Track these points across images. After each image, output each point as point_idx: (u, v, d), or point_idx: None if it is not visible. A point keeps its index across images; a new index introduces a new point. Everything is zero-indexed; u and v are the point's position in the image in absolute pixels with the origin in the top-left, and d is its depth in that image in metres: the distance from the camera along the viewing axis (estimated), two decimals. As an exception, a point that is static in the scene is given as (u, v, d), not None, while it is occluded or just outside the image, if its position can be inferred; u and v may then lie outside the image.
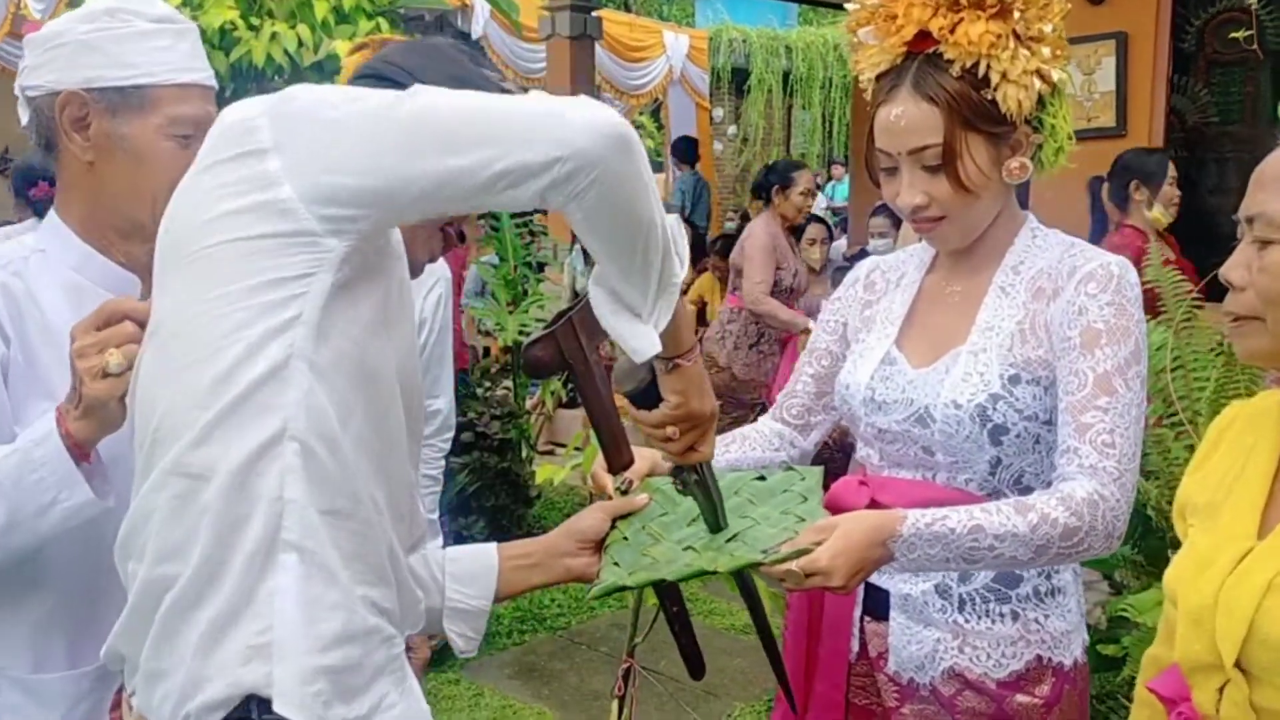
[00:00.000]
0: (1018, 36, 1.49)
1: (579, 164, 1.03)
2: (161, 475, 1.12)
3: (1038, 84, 1.50)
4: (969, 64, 1.48)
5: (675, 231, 1.18)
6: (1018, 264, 1.60)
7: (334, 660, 1.12)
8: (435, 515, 2.37)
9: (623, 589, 1.37)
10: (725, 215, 12.20)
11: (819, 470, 1.56)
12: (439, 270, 2.26)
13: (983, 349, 1.56)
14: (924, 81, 1.51)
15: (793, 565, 1.31)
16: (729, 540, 1.42)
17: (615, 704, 1.62)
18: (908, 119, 1.51)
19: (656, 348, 1.17)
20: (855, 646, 1.68)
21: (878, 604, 1.66)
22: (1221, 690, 1.20)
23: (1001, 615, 1.57)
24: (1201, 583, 1.23)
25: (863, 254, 7.46)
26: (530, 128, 1.04)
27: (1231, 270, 1.26)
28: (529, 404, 5.37)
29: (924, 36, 1.51)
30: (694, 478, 1.37)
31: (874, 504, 1.60)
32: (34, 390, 1.40)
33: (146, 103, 1.43)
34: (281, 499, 1.10)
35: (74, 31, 1.43)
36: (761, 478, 1.56)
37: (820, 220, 7.18)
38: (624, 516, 1.50)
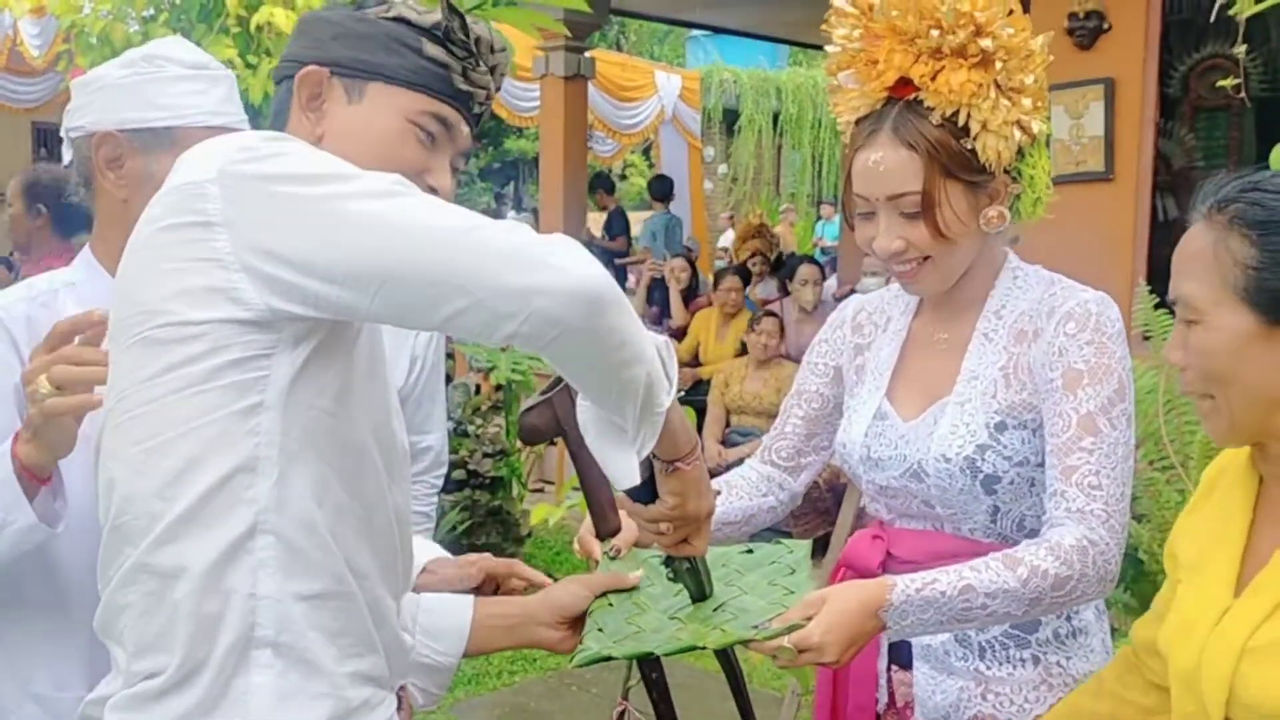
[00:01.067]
0: (999, 87, 1.49)
1: (540, 323, 0.99)
2: (131, 571, 1.09)
3: (1018, 135, 1.50)
4: (949, 112, 1.48)
5: (664, 354, 1.15)
6: (1000, 308, 1.59)
7: None
8: None
9: (607, 659, 1.36)
10: (715, 254, 12.24)
11: (806, 544, 1.56)
12: None
13: (967, 399, 1.55)
14: (904, 128, 1.50)
15: (785, 641, 1.31)
16: (716, 609, 1.40)
17: None
18: (887, 165, 1.50)
19: (635, 479, 1.16)
20: (883, 697, 1.66)
21: (902, 653, 1.64)
22: None
23: (1022, 660, 1.56)
24: (1187, 644, 1.24)
25: (853, 294, 7.51)
26: (497, 275, 0.98)
27: (1170, 352, 1.27)
28: (520, 442, 5.36)
29: (905, 83, 1.50)
30: (685, 566, 1.37)
31: (889, 557, 1.60)
32: None
33: (177, 143, 1.45)
34: (254, 595, 1.07)
35: (112, 76, 1.51)
36: (749, 550, 1.55)
37: (812, 261, 7.23)
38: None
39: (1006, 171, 1.53)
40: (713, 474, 1.77)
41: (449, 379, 6.10)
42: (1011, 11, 1.50)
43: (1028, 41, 1.51)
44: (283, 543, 1.08)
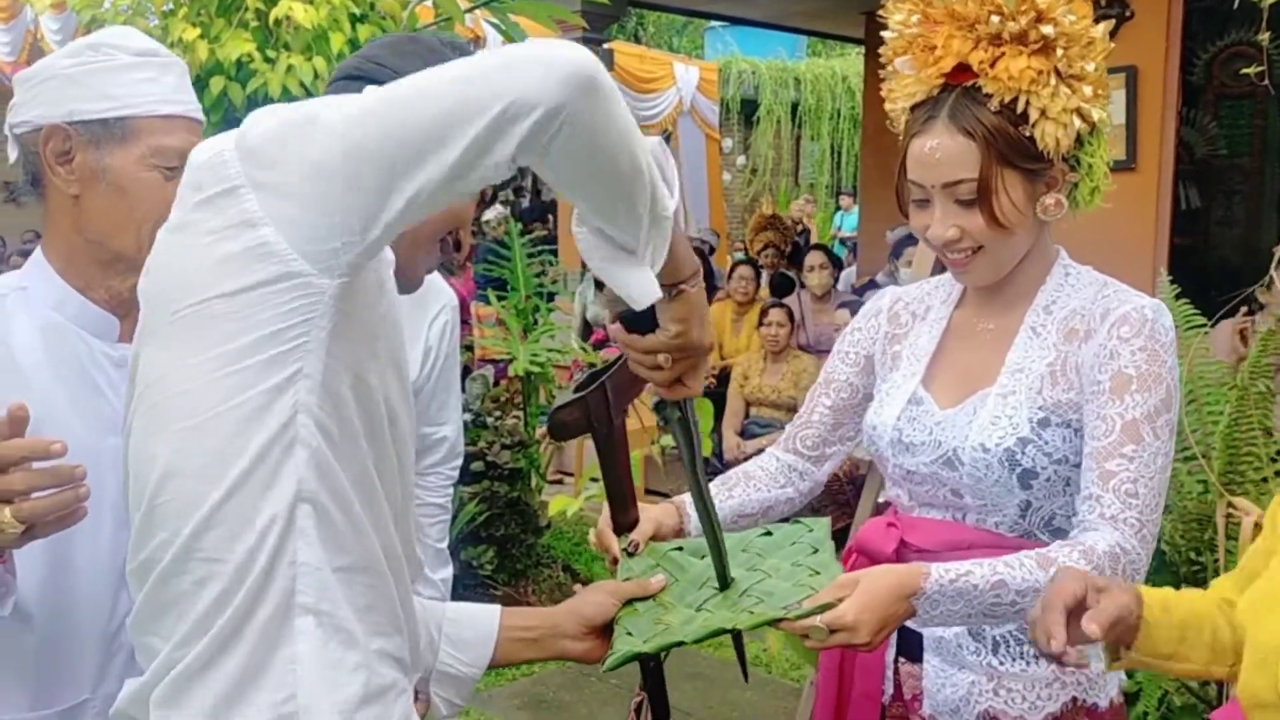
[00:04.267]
0: (1059, 74, 1.47)
1: (544, 118, 0.95)
2: (178, 560, 1.08)
3: (1077, 122, 1.48)
4: (1008, 99, 1.46)
5: (660, 157, 1.09)
6: (1049, 303, 1.57)
7: None
8: (443, 544, 2.36)
9: (639, 656, 1.35)
10: (734, 246, 12.21)
11: (826, 521, 1.54)
12: (445, 297, 2.26)
13: (1011, 391, 1.53)
14: (961, 114, 1.48)
15: (817, 621, 1.29)
16: (742, 595, 1.39)
17: None
18: (943, 152, 1.48)
19: (656, 294, 1.09)
20: (889, 689, 1.65)
21: (912, 646, 1.63)
22: None
23: (1035, 657, 1.53)
24: (1271, 621, 1.20)
25: (872, 284, 7.46)
26: (496, 85, 0.96)
27: None
28: (539, 433, 5.37)
29: (963, 69, 1.49)
30: (676, 414, 1.29)
31: (903, 544, 1.59)
32: None
33: (129, 133, 1.42)
34: (295, 563, 1.07)
35: (57, 67, 1.44)
36: (768, 533, 1.54)
37: (821, 248, 7.18)
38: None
39: (1065, 160, 1.51)
40: (730, 467, 1.77)
41: (466, 370, 6.12)
42: None
43: (1089, 28, 1.49)
44: (320, 511, 1.07)
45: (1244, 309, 3.23)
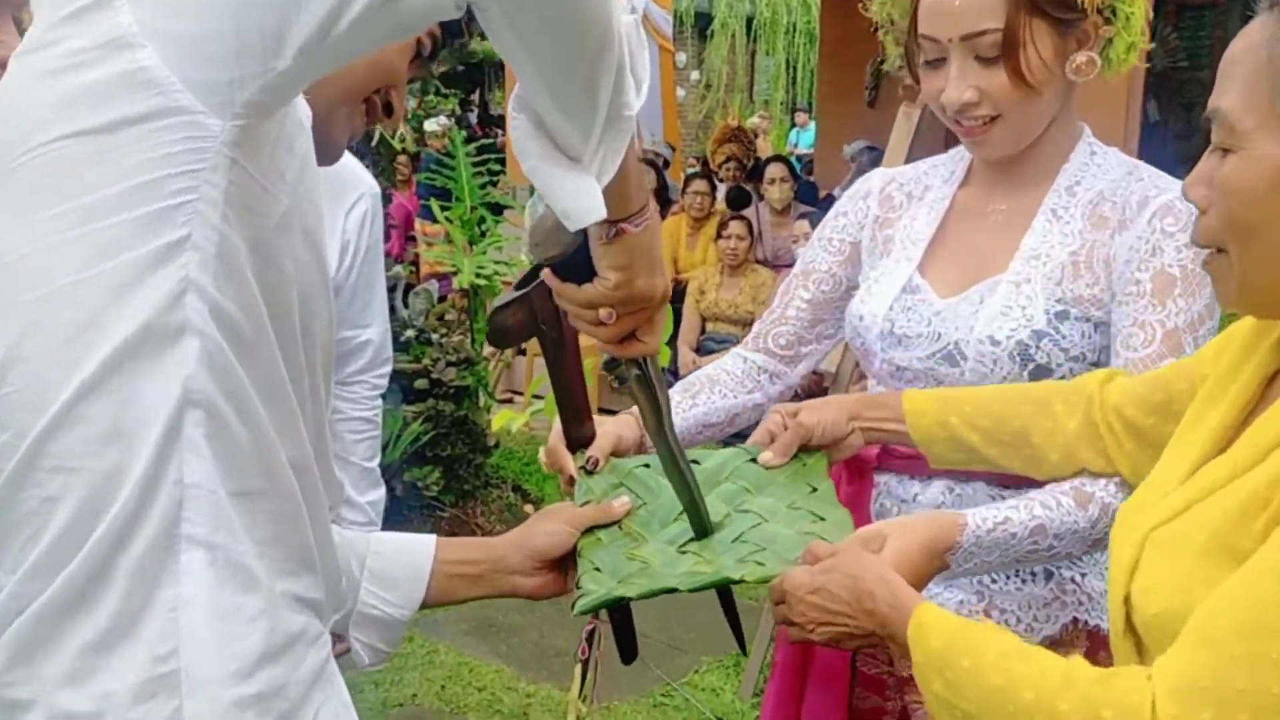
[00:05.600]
0: None
1: None
2: (23, 470, 0.85)
3: None
4: None
5: (634, 42, 0.88)
6: (1073, 184, 1.39)
7: (260, 686, 0.89)
8: (373, 464, 2.16)
9: (620, 600, 1.16)
10: (687, 162, 11.97)
11: (822, 456, 1.35)
12: (364, 184, 2.04)
13: (1026, 279, 1.36)
14: None
15: None
16: (735, 540, 1.22)
17: (578, 669, 1.41)
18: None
19: (600, 213, 0.88)
20: None
21: None
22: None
23: (1034, 574, 1.39)
24: (1124, 530, 1.02)
25: (830, 199, 7.30)
26: None
27: (1191, 186, 0.98)
28: (486, 350, 5.17)
29: None
30: (634, 373, 1.11)
31: (886, 450, 1.44)
32: None
33: None
34: (181, 483, 0.85)
35: None
36: (752, 459, 1.35)
37: (782, 159, 6.99)
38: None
39: (1099, 11, 1.33)
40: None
41: (410, 287, 5.89)
42: None
43: None
44: (215, 421, 0.86)
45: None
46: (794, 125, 14.98)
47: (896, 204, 1.53)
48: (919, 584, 1.15)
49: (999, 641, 0.98)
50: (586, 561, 1.22)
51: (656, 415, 1.16)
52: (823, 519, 1.23)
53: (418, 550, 1.25)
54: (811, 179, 8.52)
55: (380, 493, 2.16)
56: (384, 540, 1.26)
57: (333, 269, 1.95)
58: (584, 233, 0.96)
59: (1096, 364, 1.34)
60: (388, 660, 1.26)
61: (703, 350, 5.84)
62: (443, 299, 5.59)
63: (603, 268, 0.98)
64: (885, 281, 1.46)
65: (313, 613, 0.97)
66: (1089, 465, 1.25)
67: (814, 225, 5.82)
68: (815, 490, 1.28)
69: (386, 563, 1.23)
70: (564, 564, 1.26)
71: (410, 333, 4.82)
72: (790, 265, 6.31)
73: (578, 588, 1.20)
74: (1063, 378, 1.34)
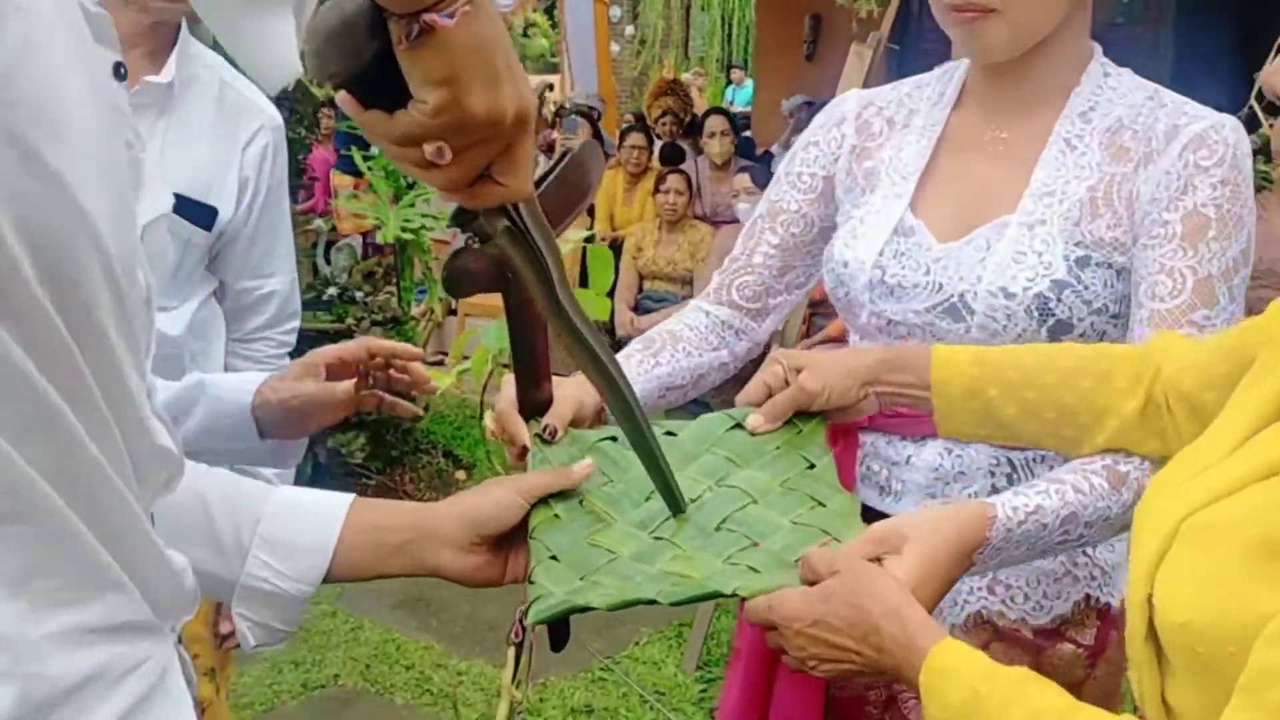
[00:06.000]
0: None
1: None
2: None
3: None
4: None
5: None
6: (1087, 110, 1.22)
7: None
8: None
9: (583, 610, 0.96)
10: (622, 118, 11.74)
11: (819, 422, 1.17)
12: (265, 115, 1.80)
13: (1040, 220, 1.19)
14: None
15: None
16: (719, 527, 1.04)
17: (511, 651, 1.16)
18: None
19: (293, 69, 0.69)
20: None
21: (875, 519, 1.31)
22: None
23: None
24: (1150, 520, 0.84)
25: (767, 155, 7.13)
26: None
27: None
28: (415, 310, 4.93)
29: None
30: (503, 224, 0.85)
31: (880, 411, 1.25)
32: None
33: None
34: None
35: None
36: (736, 425, 1.16)
37: (722, 112, 6.80)
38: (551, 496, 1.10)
39: None
40: (622, 346, 1.37)
41: (331, 243, 5.61)
42: None
43: None
44: None
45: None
46: (730, 83, 14.78)
47: (876, 131, 1.35)
48: (944, 592, 0.99)
49: (1034, 698, 0.82)
50: (540, 546, 1.02)
51: (545, 283, 0.91)
52: (823, 504, 1.06)
53: (326, 513, 1.02)
54: (749, 134, 8.36)
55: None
56: (286, 499, 1.02)
57: (230, 210, 1.74)
58: (385, 36, 0.70)
59: (1117, 316, 1.20)
60: (285, 640, 1.03)
61: (641, 309, 5.65)
62: (366, 255, 5.34)
63: (415, 84, 0.72)
64: (872, 222, 1.28)
65: (128, 637, 0.73)
66: (1137, 448, 1.08)
67: (755, 179, 5.64)
68: (813, 467, 1.11)
69: (284, 527, 1.00)
70: (505, 544, 1.05)
71: (333, 291, 4.59)
72: (731, 221, 6.14)
73: (530, 581, 0.99)
74: (1083, 334, 1.19)
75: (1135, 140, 1.20)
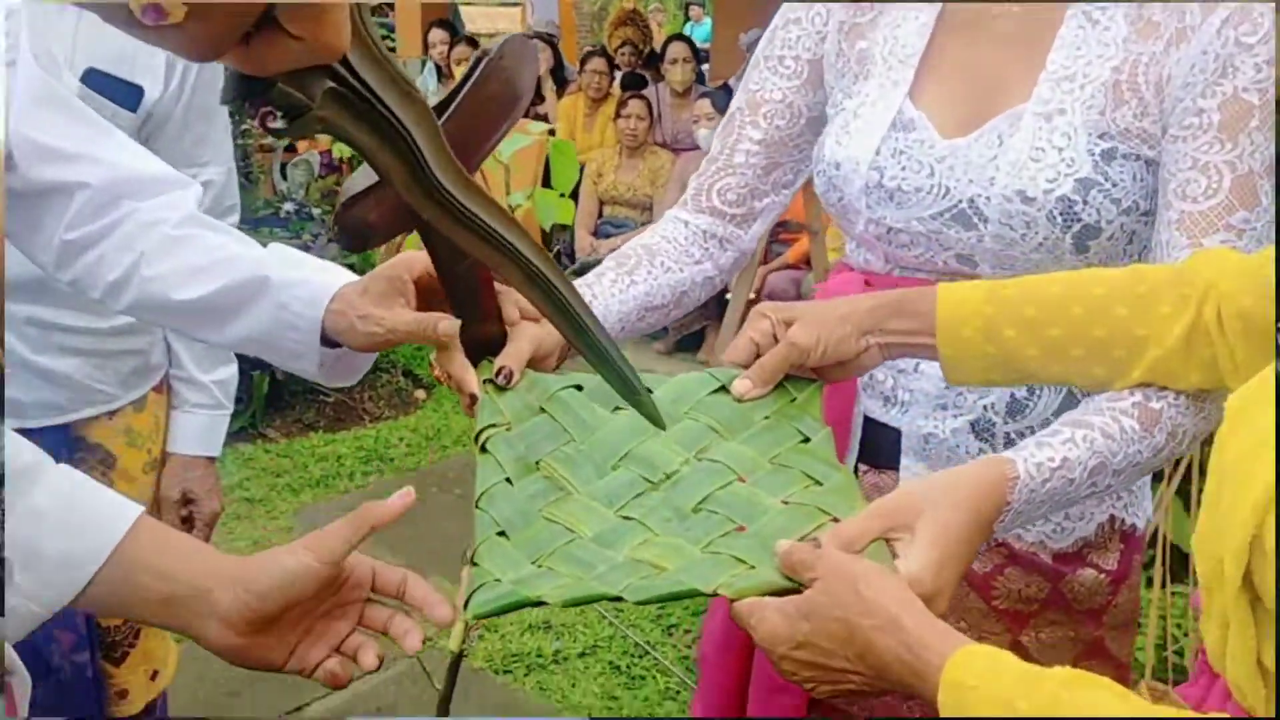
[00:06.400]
0: None
1: None
2: None
3: None
4: None
5: None
6: None
7: None
8: None
9: (535, 604, 0.80)
10: (582, 49, 11.60)
11: (816, 386, 1.02)
12: None
13: (1060, 109, 1.04)
14: None
15: None
16: (700, 509, 0.90)
17: (465, 571, 1.08)
18: None
19: None
20: None
21: (881, 448, 1.18)
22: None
23: None
24: (1229, 437, 0.73)
25: (725, 88, 7.08)
26: None
27: None
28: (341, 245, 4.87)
29: None
30: (326, 86, 0.67)
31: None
32: None
33: None
34: None
35: None
36: (722, 387, 1.00)
37: (683, 38, 6.75)
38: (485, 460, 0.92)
39: None
40: (584, 270, 1.26)
41: (287, 161, 5.50)
42: None
43: None
44: None
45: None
46: (688, 20, 14.62)
47: (868, 7, 1.19)
48: (964, 571, 0.86)
49: (1082, 702, 0.68)
50: (487, 519, 0.88)
51: (403, 156, 0.75)
52: (819, 483, 0.92)
53: (108, 519, 0.81)
54: (705, 69, 8.29)
55: (231, 370, 1.80)
56: (60, 497, 0.81)
57: (158, 90, 1.59)
58: None
59: (1148, 213, 1.05)
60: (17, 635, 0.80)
61: (600, 234, 5.64)
62: (324, 174, 5.25)
63: None
64: (867, 115, 1.14)
65: None
66: (1174, 383, 0.94)
67: (716, 104, 5.59)
68: (807, 441, 0.97)
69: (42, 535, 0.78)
70: (299, 620, 0.84)
71: (289, 206, 4.52)
72: (692, 149, 6.07)
73: (472, 563, 0.85)
74: (1112, 236, 1.05)
75: (1166, 14, 1.03)
